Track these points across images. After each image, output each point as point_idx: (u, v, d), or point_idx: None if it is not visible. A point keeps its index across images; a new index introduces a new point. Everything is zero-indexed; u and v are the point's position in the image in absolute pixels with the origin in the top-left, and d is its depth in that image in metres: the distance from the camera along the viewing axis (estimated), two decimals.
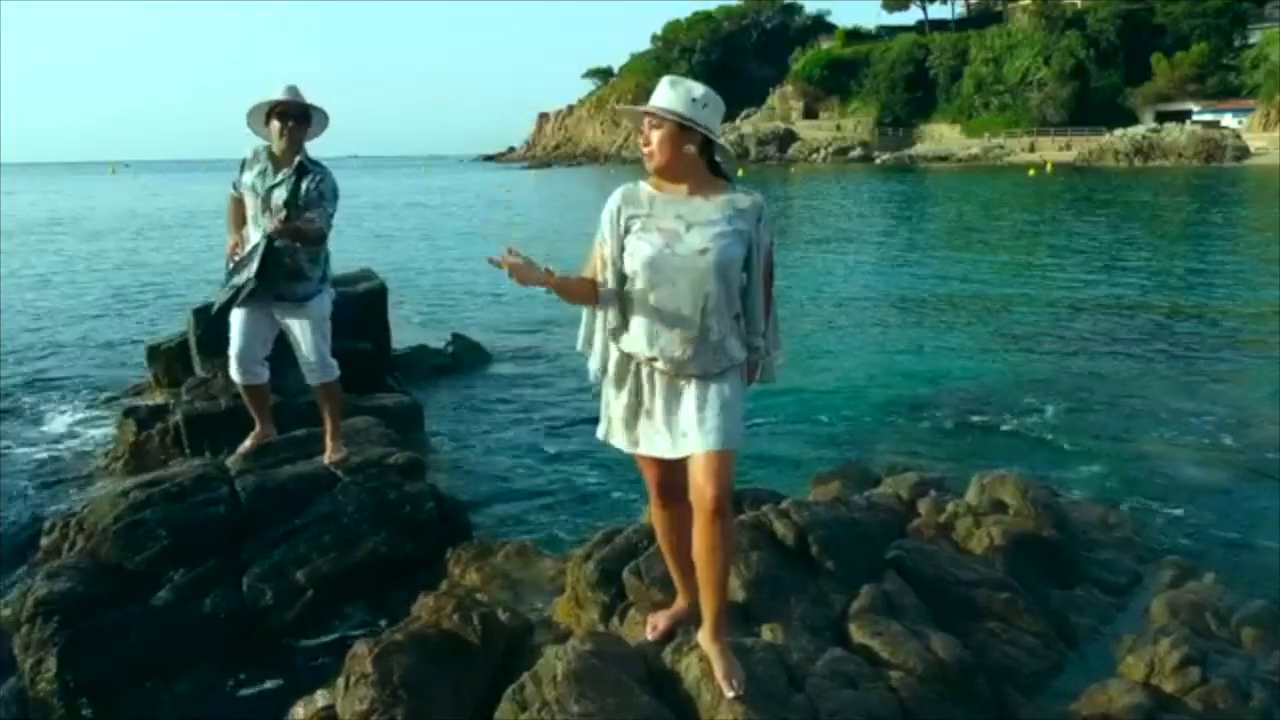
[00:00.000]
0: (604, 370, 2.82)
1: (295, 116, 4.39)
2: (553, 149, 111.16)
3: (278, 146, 4.39)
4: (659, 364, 2.67)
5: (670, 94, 2.62)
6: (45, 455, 6.95)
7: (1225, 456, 6.25)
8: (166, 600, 3.77)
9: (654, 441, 2.74)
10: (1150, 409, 7.44)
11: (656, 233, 2.63)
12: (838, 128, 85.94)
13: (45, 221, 32.25)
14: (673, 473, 2.77)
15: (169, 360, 6.97)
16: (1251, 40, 71.52)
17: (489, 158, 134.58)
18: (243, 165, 4.56)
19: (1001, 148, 72.35)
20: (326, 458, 4.63)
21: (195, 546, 3.96)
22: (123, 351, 10.09)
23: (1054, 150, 67.58)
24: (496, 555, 4.18)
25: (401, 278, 14.40)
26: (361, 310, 6.94)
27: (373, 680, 3.04)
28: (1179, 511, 5.30)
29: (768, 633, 3.01)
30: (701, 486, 2.59)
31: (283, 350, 4.88)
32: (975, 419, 7.29)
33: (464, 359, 8.52)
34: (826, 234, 22.09)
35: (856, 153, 78.86)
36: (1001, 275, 15.46)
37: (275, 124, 4.38)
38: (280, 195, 4.40)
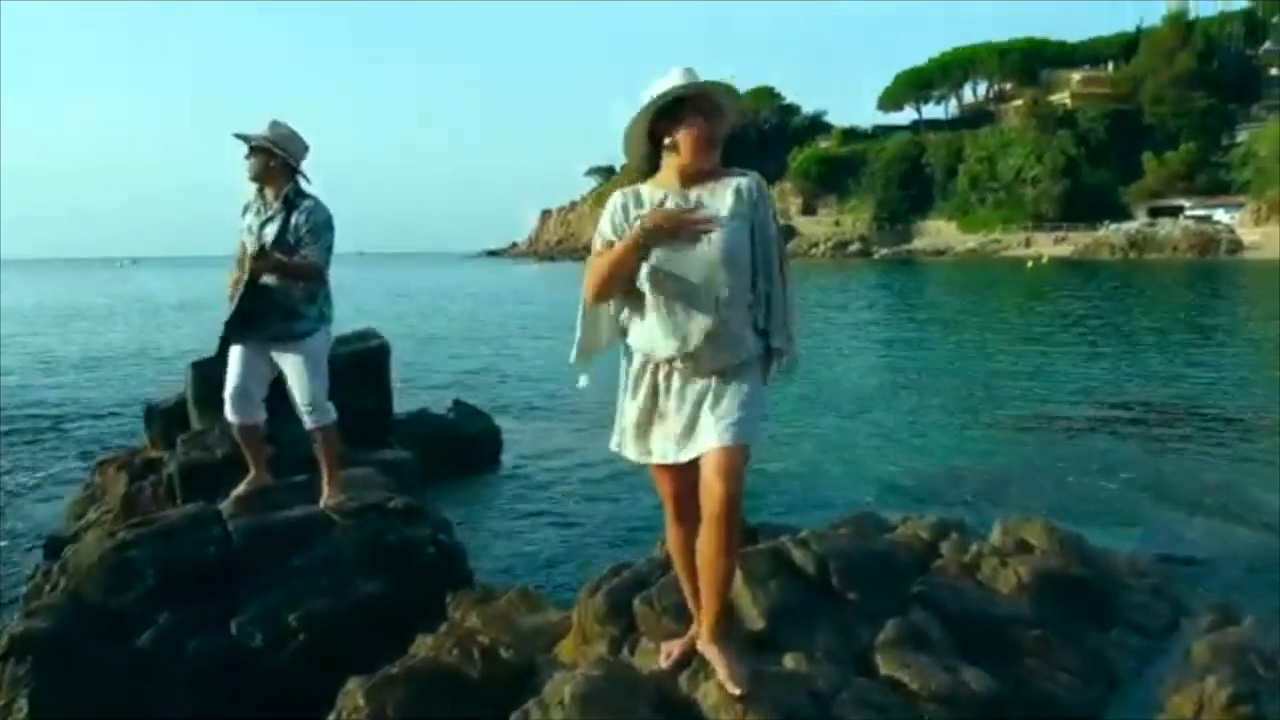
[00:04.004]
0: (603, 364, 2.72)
1: (253, 149, 4.33)
2: (555, 244, 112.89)
3: (248, 177, 4.36)
4: (676, 362, 2.56)
5: (696, 76, 2.56)
6: (34, 519, 6.80)
7: (1241, 524, 6.04)
8: (150, 641, 3.56)
9: (668, 446, 2.62)
10: (1160, 482, 7.25)
11: None
12: (836, 223, 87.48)
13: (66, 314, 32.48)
14: (688, 482, 2.63)
15: (167, 420, 6.80)
16: (1239, 139, 73.31)
17: (492, 253, 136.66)
18: (244, 209, 4.52)
19: (998, 242, 73.43)
20: (323, 502, 4.47)
21: (183, 587, 3.77)
22: (122, 418, 9.98)
23: (1050, 244, 68.58)
24: (499, 600, 3.97)
25: (403, 350, 14.37)
26: (364, 367, 6.84)
27: (366, 715, 2.85)
28: (1205, 568, 5.11)
29: (790, 661, 2.82)
30: (711, 482, 2.46)
31: (282, 399, 4.77)
32: (984, 492, 7.07)
33: (466, 424, 8.38)
34: (833, 323, 22.13)
35: (855, 247, 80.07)
36: (1004, 363, 15.36)
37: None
38: (271, 231, 4.33)
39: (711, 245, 2.51)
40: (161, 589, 3.73)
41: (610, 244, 2.60)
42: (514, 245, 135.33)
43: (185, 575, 3.81)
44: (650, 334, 2.57)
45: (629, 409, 2.69)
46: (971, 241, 75.06)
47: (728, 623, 2.79)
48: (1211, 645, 3.48)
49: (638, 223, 2.52)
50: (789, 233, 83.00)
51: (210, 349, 4.86)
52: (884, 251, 77.10)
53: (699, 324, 2.51)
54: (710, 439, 2.49)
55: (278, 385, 4.70)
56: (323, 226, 4.39)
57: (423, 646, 3.41)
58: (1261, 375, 12.86)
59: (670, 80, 2.54)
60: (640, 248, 2.49)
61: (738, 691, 2.49)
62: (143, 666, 3.49)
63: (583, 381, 2.78)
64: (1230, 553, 5.30)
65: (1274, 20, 78.00)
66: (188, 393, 6.37)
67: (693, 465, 2.58)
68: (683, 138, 2.56)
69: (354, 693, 2.96)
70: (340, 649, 3.79)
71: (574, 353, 2.75)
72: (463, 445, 8.01)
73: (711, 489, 2.46)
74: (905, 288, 38.16)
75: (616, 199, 2.66)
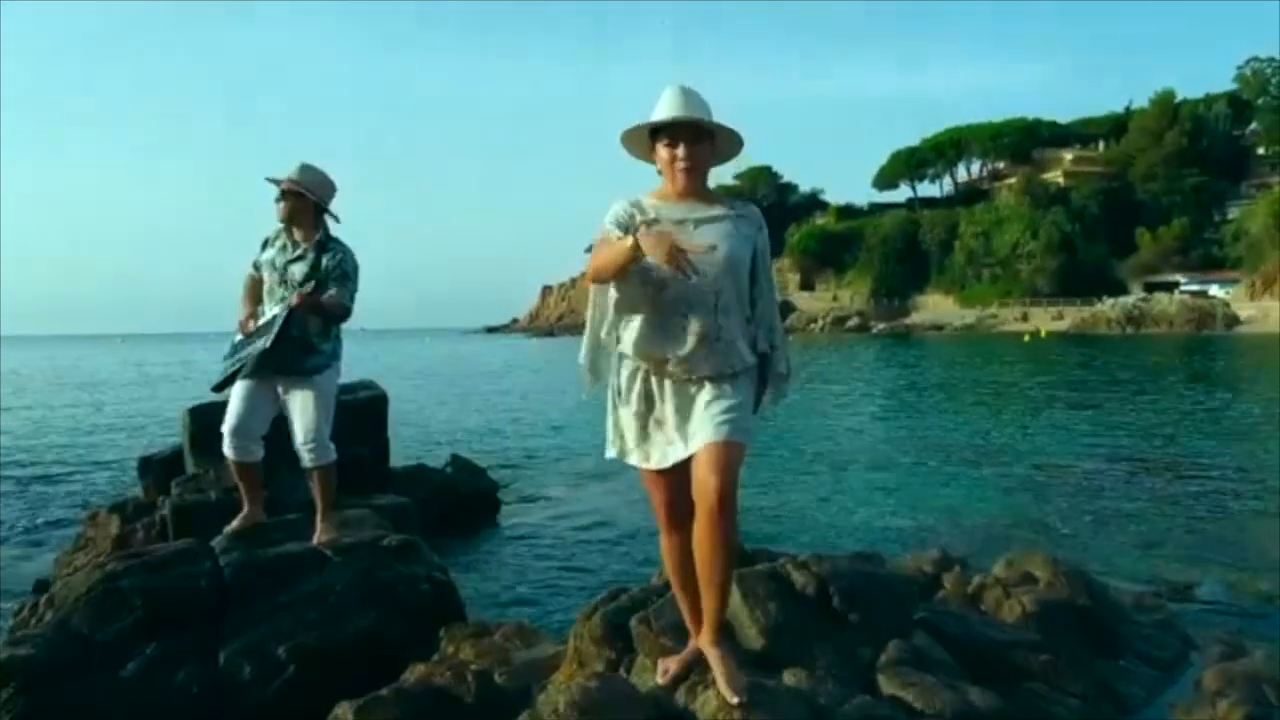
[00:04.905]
0: (606, 379, 2.70)
1: (284, 193, 4.38)
2: (556, 320, 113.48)
3: (278, 219, 4.41)
4: (670, 366, 2.55)
5: (695, 104, 2.56)
6: (26, 568, 6.71)
7: (1244, 570, 5.93)
8: (136, 671, 3.48)
9: (666, 451, 2.60)
10: (1161, 532, 7.17)
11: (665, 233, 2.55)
12: (834, 298, 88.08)
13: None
14: (682, 487, 2.60)
15: (162, 470, 6.75)
16: (1230, 215, 74.37)
17: (492, 329, 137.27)
18: (264, 244, 4.56)
19: (995, 317, 73.86)
20: (316, 538, 4.42)
21: (171, 618, 3.70)
22: (119, 473, 9.92)
23: (1047, 319, 68.94)
24: (494, 634, 3.90)
25: (402, 413, 14.33)
26: (362, 417, 6.82)
27: None
28: (1210, 609, 5.03)
29: (790, 678, 2.75)
30: (705, 479, 2.44)
31: (279, 449, 4.74)
32: (986, 542, 6.96)
33: (464, 479, 8.32)
34: (836, 391, 22.13)
35: (853, 322, 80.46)
36: (1004, 425, 15.32)
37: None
38: (300, 269, 4.37)
39: (715, 251, 2.52)
40: (150, 619, 3.66)
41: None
42: (514, 321, 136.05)
43: (174, 606, 3.74)
44: (646, 337, 2.56)
45: (624, 417, 2.68)
46: (969, 316, 75.49)
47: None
48: (1222, 673, 3.41)
49: (634, 234, 2.44)
50: (786, 307, 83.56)
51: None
52: (881, 326, 77.50)
53: (696, 326, 2.52)
54: (704, 436, 2.48)
55: (275, 426, 4.68)
56: (352, 271, 4.46)
57: (415, 673, 3.34)
58: (1262, 436, 12.80)
59: (662, 102, 2.58)
60: (630, 262, 2.44)
61: (735, 700, 2.44)
62: (128, 695, 3.40)
63: (586, 393, 2.76)
64: (1235, 595, 5.21)
65: (1258, 102, 79.82)
66: (184, 439, 6.35)
67: (687, 470, 2.56)
68: (664, 161, 2.59)
69: (343, 716, 2.90)
70: (330, 682, 3.69)
71: (583, 353, 2.74)
72: (460, 500, 7.93)
73: (705, 483, 2.44)
74: (905, 360, 38.25)
75: (618, 205, 2.64)
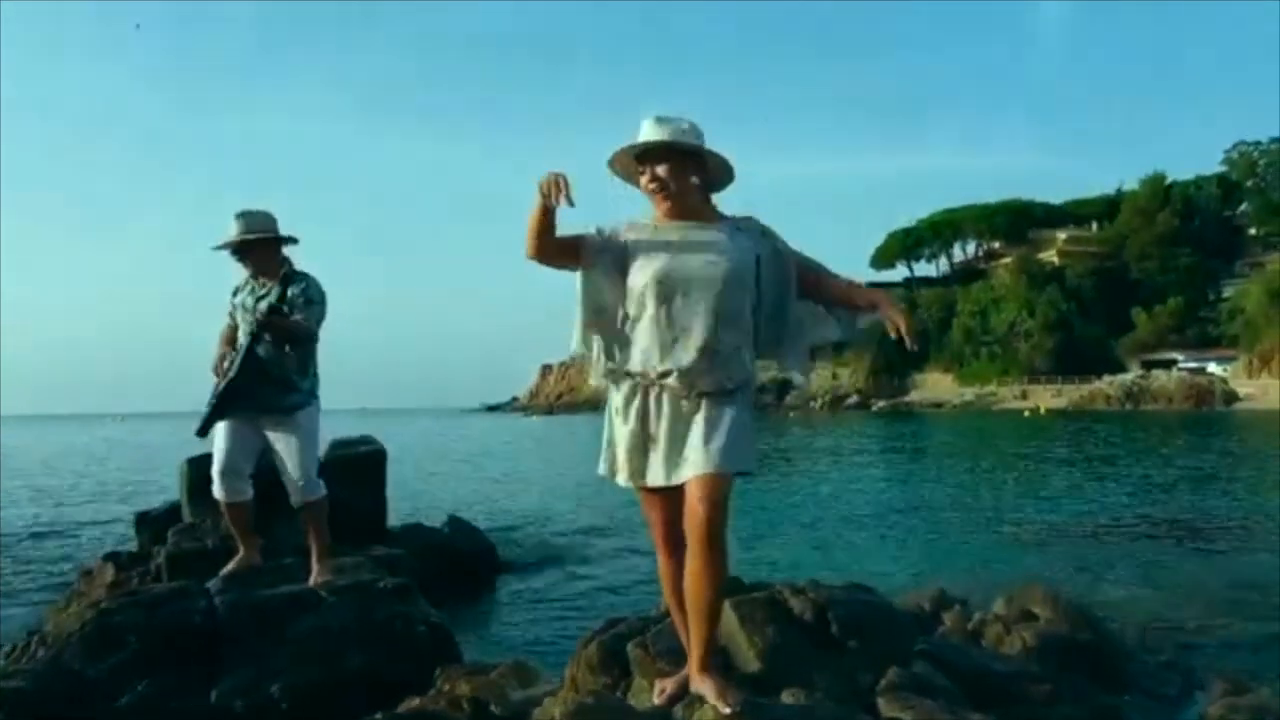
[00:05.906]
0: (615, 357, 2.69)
1: (241, 251, 4.46)
2: (555, 398, 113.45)
3: (249, 273, 4.51)
4: (670, 380, 2.58)
5: (666, 128, 2.62)
6: (17, 622, 6.62)
7: (1244, 617, 5.88)
8: (128, 706, 3.44)
9: (658, 470, 2.61)
10: (1161, 582, 7.14)
11: (663, 249, 2.62)
12: (834, 376, 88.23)
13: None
14: (676, 508, 2.60)
15: (159, 525, 6.73)
16: (1224, 294, 75.13)
17: (492, 407, 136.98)
18: (235, 292, 4.62)
19: (994, 394, 73.96)
20: (312, 579, 4.39)
21: (165, 655, 3.67)
22: (116, 530, 9.87)
23: (1046, 397, 69.01)
24: (490, 673, 3.84)
25: (400, 479, 14.25)
26: (360, 470, 6.82)
27: None
28: (1212, 653, 4.96)
29: (788, 698, 2.72)
30: (695, 507, 2.47)
31: (271, 502, 4.76)
32: (986, 593, 6.94)
33: (461, 538, 8.25)
34: (842, 461, 22.09)
35: (853, 399, 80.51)
36: (1008, 489, 15.27)
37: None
38: (266, 305, 4.44)
39: (715, 265, 2.58)
40: (143, 655, 3.63)
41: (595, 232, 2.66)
42: (514, 399, 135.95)
43: (168, 643, 3.71)
44: (648, 349, 2.59)
45: (620, 434, 2.69)
46: (968, 394, 75.62)
47: (722, 666, 2.71)
48: (1227, 708, 3.37)
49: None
50: (785, 385, 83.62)
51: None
52: (881, 404, 77.55)
53: (696, 339, 2.55)
54: (696, 465, 2.50)
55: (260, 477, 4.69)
56: (317, 298, 4.51)
57: (409, 706, 3.30)
58: (1262, 495, 12.77)
59: (642, 132, 2.63)
60: (544, 211, 2.47)
61: (727, 711, 2.41)
62: None
63: (595, 380, 2.74)
64: (1238, 638, 5.15)
65: (1247, 184, 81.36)
66: (182, 489, 6.34)
67: (681, 491, 2.56)
68: (645, 190, 2.66)
69: None
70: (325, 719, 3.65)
71: (575, 336, 2.71)
72: (457, 558, 7.85)
73: (695, 514, 2.46)
74: (909, 435, 38.22)
75: (619, 222, 2.71)
